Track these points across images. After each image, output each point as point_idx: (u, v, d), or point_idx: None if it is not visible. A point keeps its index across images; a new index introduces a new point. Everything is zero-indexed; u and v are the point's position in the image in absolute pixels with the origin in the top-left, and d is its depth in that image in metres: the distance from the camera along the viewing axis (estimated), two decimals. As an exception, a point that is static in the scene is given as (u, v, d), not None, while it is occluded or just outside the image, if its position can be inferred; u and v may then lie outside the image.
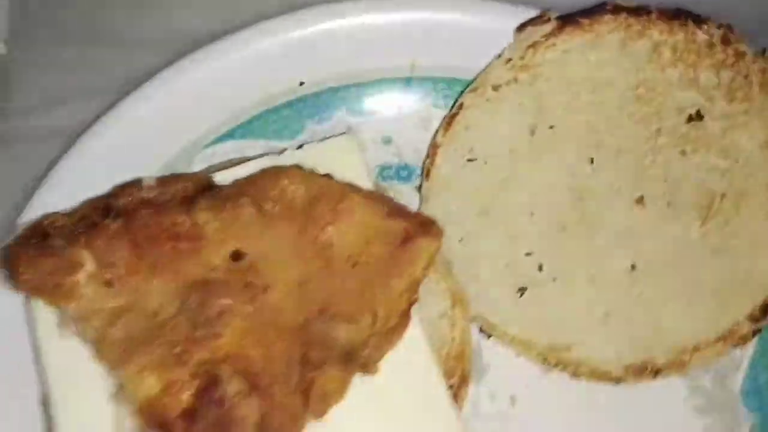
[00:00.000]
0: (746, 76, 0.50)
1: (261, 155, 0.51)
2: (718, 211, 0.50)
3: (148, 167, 0.54)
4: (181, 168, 0.55)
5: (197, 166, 0.56)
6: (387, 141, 0.60)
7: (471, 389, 0.51)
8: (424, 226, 0.45)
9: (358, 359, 0.44)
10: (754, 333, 0.48)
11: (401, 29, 0.58)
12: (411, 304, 0.45)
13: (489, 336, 0.54)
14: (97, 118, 0.55)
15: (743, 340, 0.48)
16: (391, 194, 0.51)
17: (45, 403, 0.46)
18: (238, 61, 0.57)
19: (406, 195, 0.58)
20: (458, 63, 0.58)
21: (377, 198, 0.46)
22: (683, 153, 0.51)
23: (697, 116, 0.51)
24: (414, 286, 0.45)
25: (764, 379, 0.51)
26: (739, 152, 0.50)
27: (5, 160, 0.60)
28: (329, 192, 0.45)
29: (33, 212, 0.48)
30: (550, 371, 0.52)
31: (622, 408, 0.52)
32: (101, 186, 0.48)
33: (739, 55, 0.50)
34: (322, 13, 0.57)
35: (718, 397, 0.51)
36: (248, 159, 0.50)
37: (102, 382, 0.43)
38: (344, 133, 0.52)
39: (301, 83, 0.58)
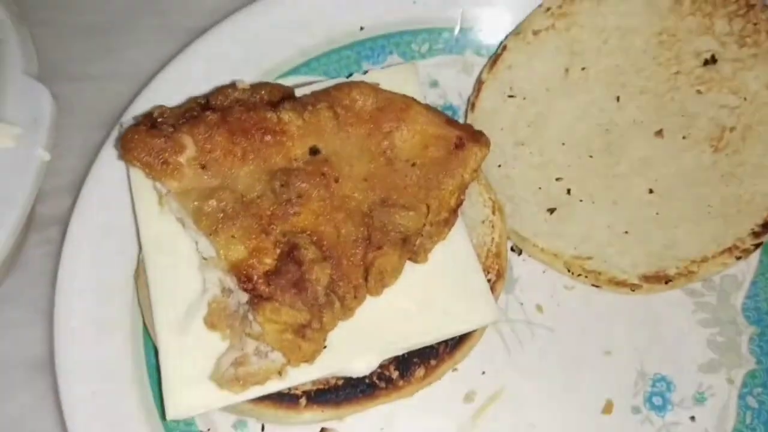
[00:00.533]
0: (755, 24, 0.57)
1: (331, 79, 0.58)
2: (728, 142, 0.57)
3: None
4: None
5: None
6: (434, 84, 0.67)
7: (501, 297, 0.58)
8: (475, 135, 0.52)
9: (412, 246, 0.51)
10: (756, 247, 0.54)
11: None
12: (459, 204, 0.52)
13: (519, 253, 0.60)
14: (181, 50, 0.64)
15: (746, 253, 0.54)
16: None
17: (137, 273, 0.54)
18: (307, 3, 0.65)
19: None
20: (500, 14, 0.66)
21: (435, 110, 0.53)
22: (699, 92, 0.58)
23: (712, 60, 0.58)
24: (462, 188, 0.52)
25: (763, 296, 0.57)
26: (748, 91, 0.57)
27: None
28: (394, 102, 0.52)
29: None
30: (572, 287, 0.59)
31: (636, 321, 0.58)
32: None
33: (750, 7, 0.57)
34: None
35: (722, 312, 0.57)
36: (320, 81, 0.58)
37: (190, 254, 0.51)
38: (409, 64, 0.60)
39: (362, 28, 0.66)
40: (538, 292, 0.59)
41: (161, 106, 0.51)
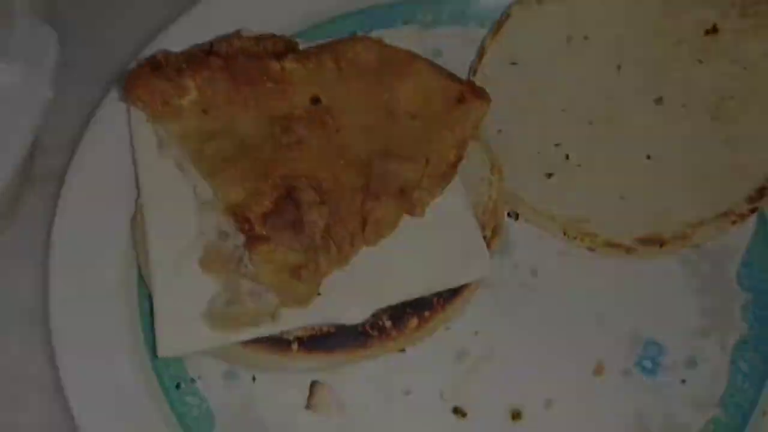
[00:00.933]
0: (757, -4, 0.57)
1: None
2: (727, 110, 0.57)
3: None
4: None
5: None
6: (437, 53, 0.67)
7: (496, 260, 0.58)
8: (477, 91, 0.52)
9: (410, 198, 0.51)
10: (751, 212, 0.55)
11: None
12: (458, 159, 0.53)
13: (516, 218, 0.61)
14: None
15: (741, 218, 0.54)
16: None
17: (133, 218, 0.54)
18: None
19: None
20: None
21: (438, 66, 0.54)
22: (700, 61, 0.58)
23: (713, 30, 0.58)
24: (462, 144, 0.52)
25: (757, 264, 0.57)
26: (748, 60, 0.57)
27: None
28: (398, 56, 0.53)
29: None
30: (567, 253, 0.59)
31: (630, 287, 0.58)
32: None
33: (753, -22, 0.58)
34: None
35: (715, 280, 0.58)
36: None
37: (187, 198, 0.51)
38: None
39: (381, -5, 0.66)
40: (534, 256, 0.59)
41: (165, 51, 0.52)
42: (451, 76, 0.53)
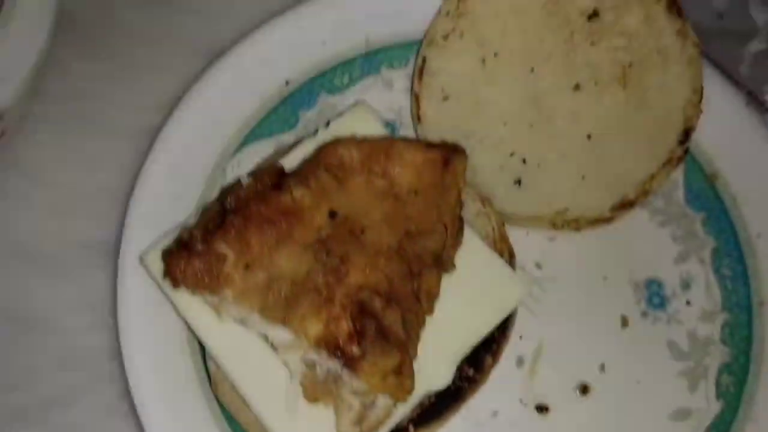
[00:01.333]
0: (621, -27, 0.67)
1: (299, 141, 0.62)
2: (631, 77, 0.67)
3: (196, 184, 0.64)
4: (220, 176, 0.66)
5: (230, 173, 0.66)
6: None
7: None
8: (452, 148, 0.58)
9: (443, 261, 0.57)
10: (685, 152, 0.66)
11: (351, 15, 0.70)
12: (461, 209, 0.59)
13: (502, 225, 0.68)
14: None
15: (681, 159, 0.66)
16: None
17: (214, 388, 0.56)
18: (230, 81, 0.67)
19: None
20: (400, 28, 0.72)
21: (411, 140, 0.59)
22: (593, 43, 0.68)
23: (594, 14, 0.68)
24: (460, 196, 0.58)
25: (697, 186, 0.69)
26: (630, 31, 0.67)
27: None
28: (377, 146, 0.57)
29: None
30: (554, 238, 0.68)
31: (613, 245, 0.68)
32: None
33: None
34: (288, 21, 0.69)
35: (671, 210, 0.69)
36: (286, 150, 0.62)
37: (262, 348, 0.53)
38: (357, 103, 0.64)
39: (287, 82, 0.69)
40: (531, 251, 0.68)
41: (183, 226, 0.52)
42: (428, 146, 0.58)
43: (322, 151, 0.57)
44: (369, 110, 0.63)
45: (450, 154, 0.58)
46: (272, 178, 0.55)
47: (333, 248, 0.53)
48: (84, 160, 0.69)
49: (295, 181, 0.55)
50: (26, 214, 0.67)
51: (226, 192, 0.54)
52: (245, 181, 0.54)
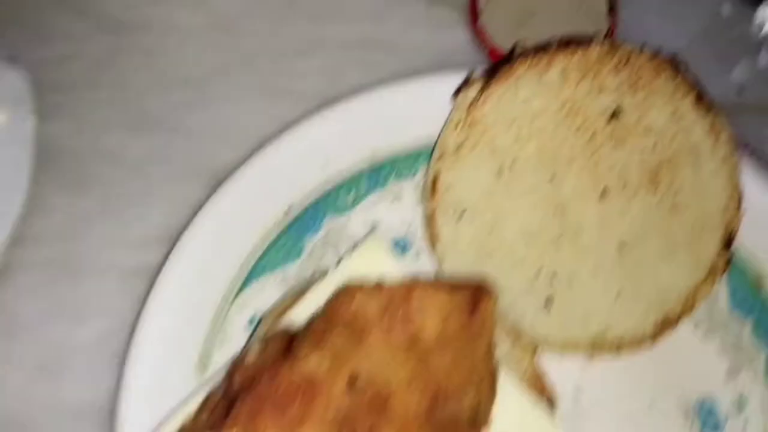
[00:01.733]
0: (639, 70, 0.62)
1: (307, 287, 0.56)
2: (661, 179, 0.62)
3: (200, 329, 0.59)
4: (223, 319, 0.60)
5: (235, 315, 0.61)
6: (375, 225, 0.67)
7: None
8: (480, 290, 0.53)
9: (479, 419, 0.51)
10: (729, 260, 0.61)
11: (355, 129, 0.65)
12: (493, 355, 0.53)
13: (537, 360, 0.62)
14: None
15: (724, 268, 0.61)
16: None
17: None
18: (229, 213, 0.62)
19: (413, 264, 0.66)
20: (407, 139, 0.67)
21: (432, 282, 0.53)
22: (617, 144, 0.63)
23: (616, 113, 0.63)
24: (492, 345, 0.53)
25: (741, 291, 0.64)
26: (657, 128, 0.62)
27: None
28: (395, 294, 0.51)
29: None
30: (592, 363, 0.62)
31: (655, 364, 0.62)
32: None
33: (627, 56, 0.63)
34: (288, 142, 0.64)
35: (715, 319, 0.63)
36: (294, 297, 0.56)
37: None
38: (368, 234, 0.59)
39: (289, 208, 0.64)
40: (567, 378, 0.62)
41: (187, 421, 0.46)
42: (451, 286, 0.52)
43: (334, 303, 0.51)
44: (381, 242, 0.58)
45: (477, 296, 0.52)
46: (282, 344, 0.49)
47: (357, 424, 0.47)
48: (73, 309, 0.63)
49: (307, 346, 0.49)
50: (12, 376, 0.61)
51: (233, 369, 0.49)
52: (250, 356, 0.49)
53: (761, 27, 0.78)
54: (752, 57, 0.77)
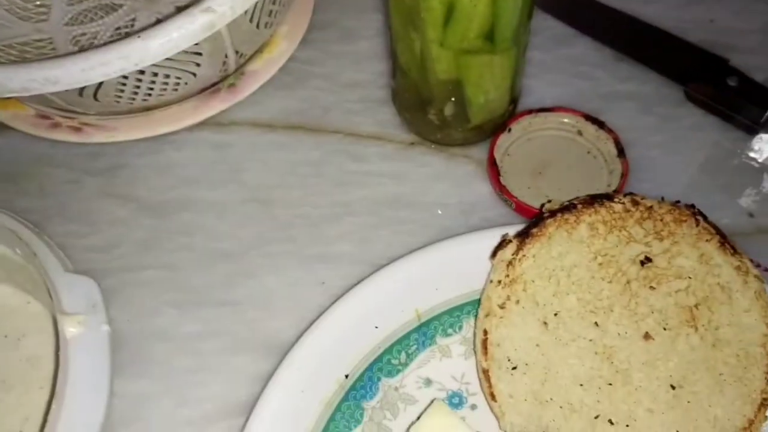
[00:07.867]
0: (661, 219, 0.67)
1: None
2: (699, 317, 0.65)
3: None
4: None
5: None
6: (427, 383, 0.69)
7: None
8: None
9: None
10: (776, 389, 0.63)
11: (400, 293, 0.69)
12: None
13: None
14: None
15: (776, 398, 0.63)
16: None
17: None
18: (293, 387, 0.64)
19: (469, 417, 0.67)
20: (449, 296, 0.70)
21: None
22: (652, 289, 0.66)
23: (646, 260, 0.67)
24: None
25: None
26: (688, 269, 0.66)
27: None
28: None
29: None
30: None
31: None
32: None
33: (649, 208, 0.68)
34: (340, 313, 0.67)
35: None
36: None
37: None
38: (433, 402, 0.61)
39: (346, 376, 0.66)
40: None
41: None
42: None
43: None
44: (446, 406, 0.60)
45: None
46: None
47: None
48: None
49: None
50: None
51: None
52: None
53: (761, 154, 0.84)
54: (756, 183, 0.83)
